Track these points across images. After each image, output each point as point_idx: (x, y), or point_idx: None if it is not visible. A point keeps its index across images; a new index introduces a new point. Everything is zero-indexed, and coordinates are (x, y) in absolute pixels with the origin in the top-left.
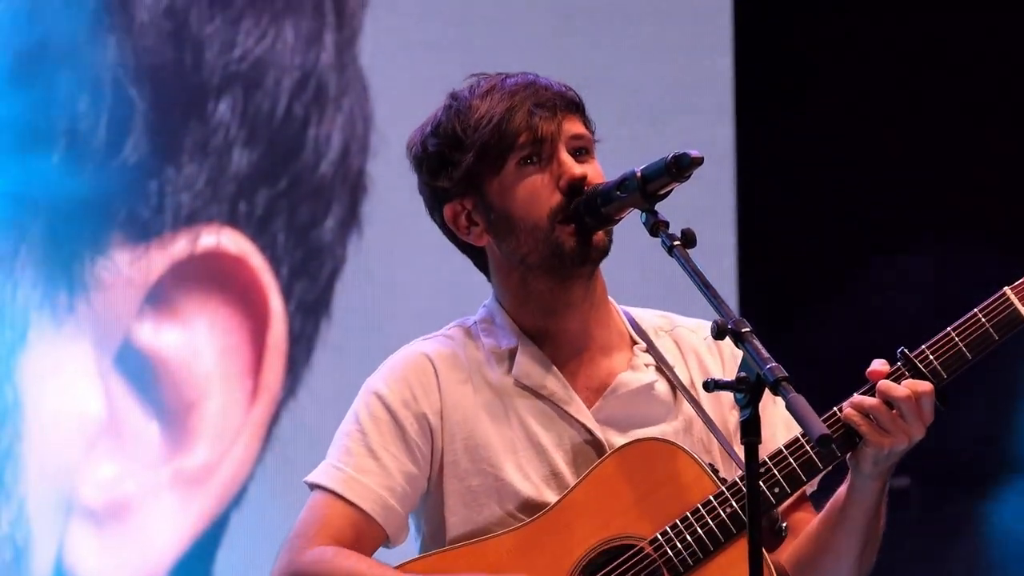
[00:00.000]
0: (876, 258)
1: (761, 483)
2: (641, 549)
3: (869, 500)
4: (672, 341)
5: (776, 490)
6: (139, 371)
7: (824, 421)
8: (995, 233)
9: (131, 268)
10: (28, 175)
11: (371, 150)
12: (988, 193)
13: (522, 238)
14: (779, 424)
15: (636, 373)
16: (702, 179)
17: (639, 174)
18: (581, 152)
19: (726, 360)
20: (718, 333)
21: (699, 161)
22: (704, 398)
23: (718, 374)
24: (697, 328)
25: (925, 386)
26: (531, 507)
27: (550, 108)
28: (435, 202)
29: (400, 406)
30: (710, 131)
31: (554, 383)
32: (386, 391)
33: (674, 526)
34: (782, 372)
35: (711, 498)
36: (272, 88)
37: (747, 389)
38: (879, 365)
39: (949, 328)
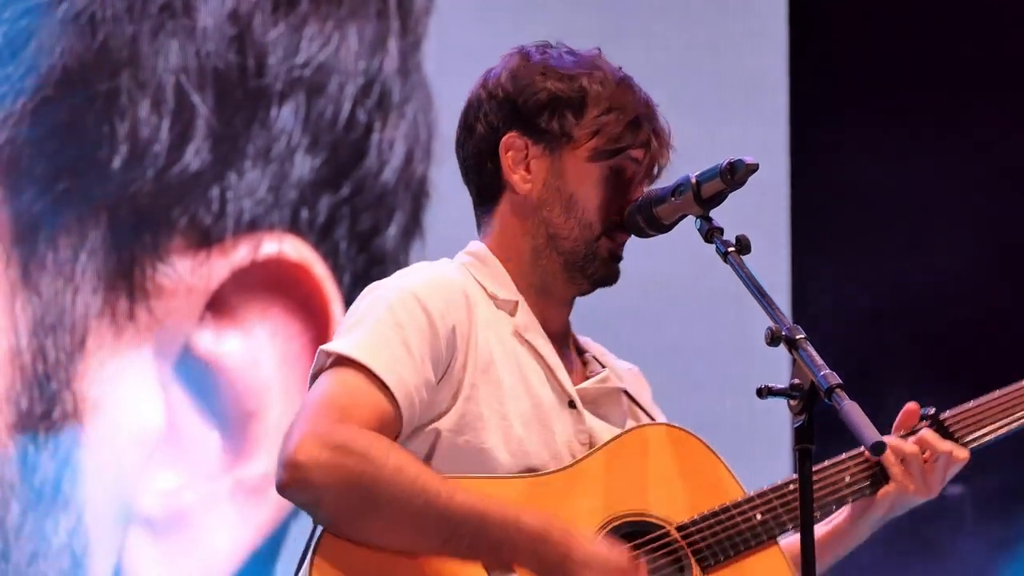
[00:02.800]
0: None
1: (782, 509)
2: (667, 532)
3: (848, 547)
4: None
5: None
6: (199, 379)
7: (851, 459)
8: None
9: (192, 275)
10: (89, 180)
11: (434, 157)
12: None
13: (571, 222)
14: None
15: (613, 378)
16: (756, 185)
17: (694, 180)
18: None
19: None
20: (772, 340)
21: (754, 168)
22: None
23: (648, 400)
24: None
25: (963, 453)
26: (527, 459)
27: (664, 153)
28: (507, 121)
29: (437, 315)
30: (763, 136)
31: (548, 348)
32: (425, 295)
33: (705, 518)
34: (836, 379)
35: (743, 501)
36: (335, 94)
37: (801, 396)
38: (914, 405)
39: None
